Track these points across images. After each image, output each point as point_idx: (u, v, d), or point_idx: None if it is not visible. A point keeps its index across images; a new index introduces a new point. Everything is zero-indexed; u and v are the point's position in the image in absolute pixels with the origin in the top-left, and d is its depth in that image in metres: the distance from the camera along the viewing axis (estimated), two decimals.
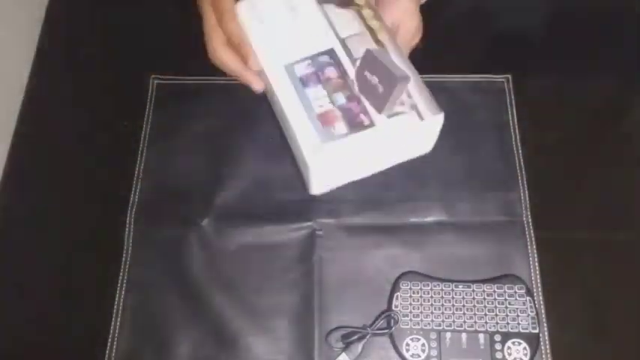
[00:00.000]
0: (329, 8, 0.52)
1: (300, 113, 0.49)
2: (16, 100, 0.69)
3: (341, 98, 0.49)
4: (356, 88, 0.49)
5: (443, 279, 0.58)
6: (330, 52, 0.50)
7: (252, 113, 0.65)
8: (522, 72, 0.67)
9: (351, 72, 0.49)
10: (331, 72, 0.50)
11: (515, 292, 0.56)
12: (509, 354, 0.54)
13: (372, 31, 0.50)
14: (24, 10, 0.73)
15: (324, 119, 0.48)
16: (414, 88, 0.47)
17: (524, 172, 0.63)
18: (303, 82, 0.50)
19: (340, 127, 0.47)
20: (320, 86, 0.50)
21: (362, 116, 0.48)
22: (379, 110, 0.47)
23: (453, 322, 0.55)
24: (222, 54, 0.49)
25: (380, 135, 0.47)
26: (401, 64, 0.48)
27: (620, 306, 0.57)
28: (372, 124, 0.47)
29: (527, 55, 0.69)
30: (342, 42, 0.50)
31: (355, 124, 0.47)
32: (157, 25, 0.71)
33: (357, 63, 0.49)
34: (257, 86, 0.50)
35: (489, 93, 0.67)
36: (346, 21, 0.50)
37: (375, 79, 0.48)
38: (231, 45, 0.49)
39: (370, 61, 0.48)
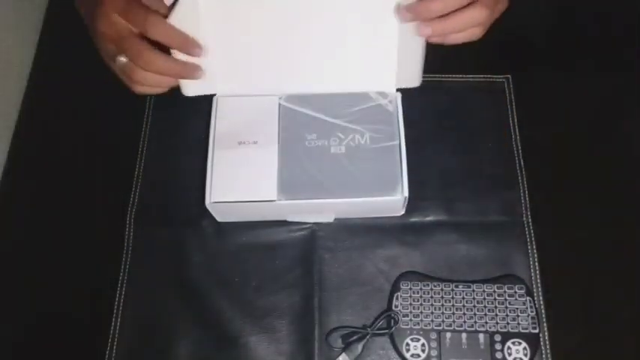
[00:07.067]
0: None
1: None
2: (16, 100, 0.69)
3: None
4: None
5: (443, 279, 0.58)
6: None
7: None
8: (522, 72, 0.67)
9: None
10: None
11: (515, 292, 0.56)
12: (509, 354, 0.54)
13: None
14: (24, 10, 0.73)
15: None
16: None
17: (524, 172, 0.62)
18: None
19: None
20: None
21: None
22: None
23: (453, 322, 0.55)
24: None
25: None
26: None
27: (621, 306, 0.57)
28: None
29: (527, 55, 0.69)
30: None
31: None
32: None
33: None
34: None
35: (489, 93, 0.67)
36: None
37: None
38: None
39: None
